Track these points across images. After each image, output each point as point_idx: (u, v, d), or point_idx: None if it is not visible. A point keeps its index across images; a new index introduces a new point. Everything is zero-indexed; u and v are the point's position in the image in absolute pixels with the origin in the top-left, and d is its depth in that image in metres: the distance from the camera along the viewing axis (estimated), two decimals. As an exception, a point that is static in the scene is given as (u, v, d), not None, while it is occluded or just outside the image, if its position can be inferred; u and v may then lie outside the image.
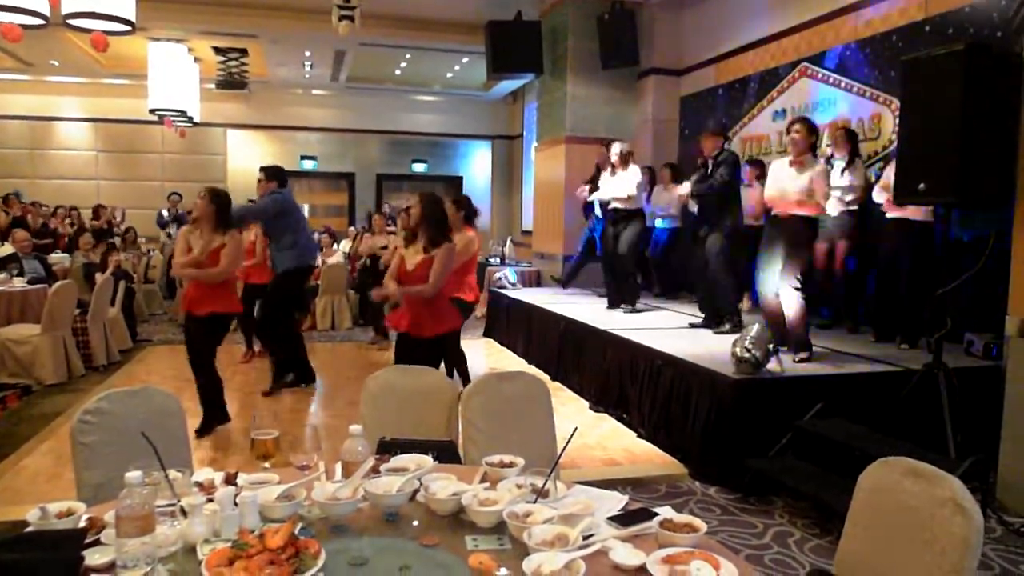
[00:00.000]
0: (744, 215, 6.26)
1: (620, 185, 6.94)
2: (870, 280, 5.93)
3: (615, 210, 7.05)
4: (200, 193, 4.83)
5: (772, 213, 5.03)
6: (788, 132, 4.97)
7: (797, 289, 4.79)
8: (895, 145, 5.29)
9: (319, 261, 9.71)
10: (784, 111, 7.43)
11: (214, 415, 4.90)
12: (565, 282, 8.69)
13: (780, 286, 4.85)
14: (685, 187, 6.04)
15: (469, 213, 5.68)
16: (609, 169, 7.13)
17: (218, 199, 4.77)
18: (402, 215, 6.55)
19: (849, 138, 5.85)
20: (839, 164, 5.79)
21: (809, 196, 4.73)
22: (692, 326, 6.16)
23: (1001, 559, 3.39)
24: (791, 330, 4.85)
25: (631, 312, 6.95)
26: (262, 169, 6.24)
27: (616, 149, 7.00)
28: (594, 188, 7.49)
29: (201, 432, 4.80)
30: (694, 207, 6.24)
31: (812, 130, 4.88)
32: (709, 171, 5.78)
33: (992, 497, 3.91)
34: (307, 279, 6.59)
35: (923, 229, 5.21)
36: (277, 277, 6.09)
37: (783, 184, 4.87)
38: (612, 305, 7.27)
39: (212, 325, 4.84)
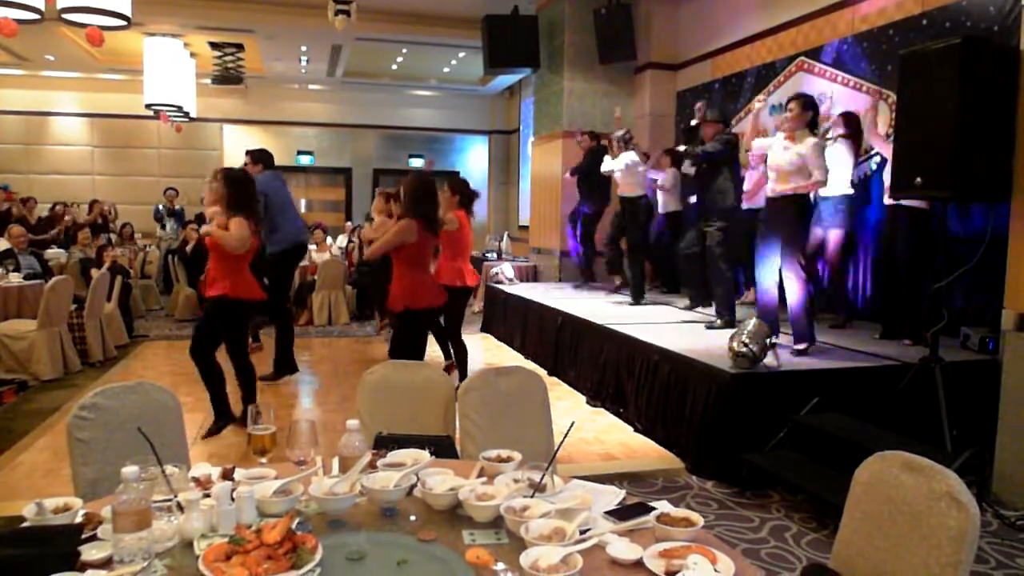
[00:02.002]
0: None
1: (614, 164, 7.07)
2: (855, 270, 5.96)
3: (620, 198, 7.20)
4: (215, 175, 4.63)
5: (767, 195, 5.03)
6: (785, 110, 4.98)
7: (800, 275, 4.77)
8: (892, 139, 5.29)
9: (314, 256, 9.75)
10: (782, 105, 7.41)
11: (223, 414, 4.77)
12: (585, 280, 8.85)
13: (783, 272, 4.85)
14: (679, 150, 6.10)
15: (463, 198, 5.65)
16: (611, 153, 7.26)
17: (230, 180, 4.57)
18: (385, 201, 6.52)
19: (847, 122, 5.77)
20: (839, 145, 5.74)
21: (800, 170, 4.73)
22: (685, 308, 6.21)
23: (997, 552, 3.40)
24: (793, 320, 4.85)
25: (633, 305, 6.99)
26: (248, 152, 6.22)
27: (616, 136, 7.16)
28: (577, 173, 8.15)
29: (208, 434, 4.71)
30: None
31: (808, 106, 4.83)
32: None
33: (988, 490, 3.92)
34: (299, 257, 6.60)
35: (920, 217, 5.18)
36: (269, 259, 6.06)
37: (776, 157, 4.89)
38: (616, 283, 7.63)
39: (225, 309, 4.61)
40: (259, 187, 5.70)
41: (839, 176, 5.58)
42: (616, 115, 7.73)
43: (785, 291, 4.89)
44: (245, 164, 6.13)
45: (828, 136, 5.79)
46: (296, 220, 6.33)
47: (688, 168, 7.08)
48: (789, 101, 4.91)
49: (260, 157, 6.16)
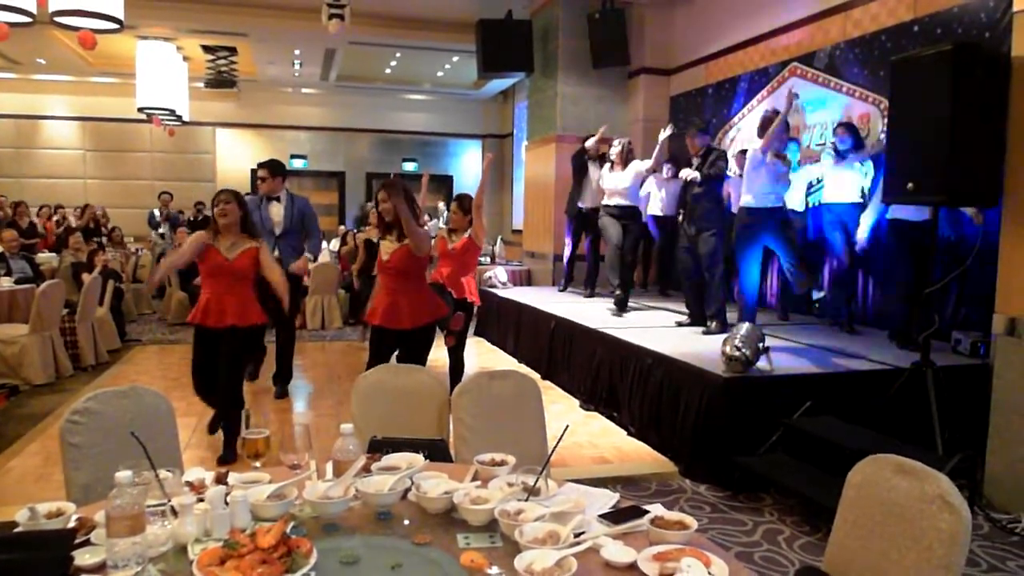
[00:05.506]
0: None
1: (620, 179, 6.96)
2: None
3: (617, 206, 7.04)
4: (224, 197, 4.32)
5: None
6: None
7: (792, 274, 5.01)
8: (884, 144, 5.33)
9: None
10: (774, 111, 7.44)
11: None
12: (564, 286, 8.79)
13: (787, 270, 5.09)
14: (689, 172, 6.01)
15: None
16: (609, 165, 7.14)
17: (243, 203, 4.39)
18: (372, 212, 6.45)
19: (849, 130, 5.80)
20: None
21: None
22: (679, 324, 6.17)
23: (988, 555, 3.41)
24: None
25: (620, 313, 6.94)
26: (263, 166, 5.87)
27: (616, 147, 7.02)
28: (582, 171, 7.87)
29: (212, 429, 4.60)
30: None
31: (763, 125, 5.35)
32: (704, 164, 5.84)
33: (979, 494, 3.94)
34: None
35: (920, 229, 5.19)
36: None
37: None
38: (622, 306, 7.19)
39: (255, 336, 4.46)
40: (307, 208, 5.89)
41: (854, 185, 5.73)
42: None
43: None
44: (263, 178, 5.80)
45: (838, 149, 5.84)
46: None
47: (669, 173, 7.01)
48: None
49: (280, 168, 5.89)
